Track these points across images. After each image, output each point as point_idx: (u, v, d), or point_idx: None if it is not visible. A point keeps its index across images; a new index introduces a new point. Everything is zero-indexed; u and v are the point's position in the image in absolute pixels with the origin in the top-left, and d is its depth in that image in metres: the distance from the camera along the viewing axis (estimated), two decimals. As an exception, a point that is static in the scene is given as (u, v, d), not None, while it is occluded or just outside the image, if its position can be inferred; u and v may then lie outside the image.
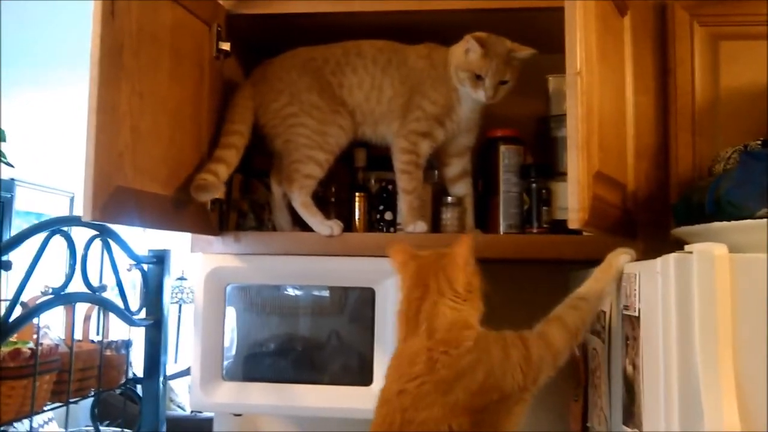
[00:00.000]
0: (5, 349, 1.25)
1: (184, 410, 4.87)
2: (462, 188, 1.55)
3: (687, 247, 0.91)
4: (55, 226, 1.29)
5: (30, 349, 1.28)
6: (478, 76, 1.40)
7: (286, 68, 1.52)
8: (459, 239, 1.12)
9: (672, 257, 0.91)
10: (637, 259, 1.10)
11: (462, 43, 1.42)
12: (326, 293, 1.45)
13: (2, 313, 1.18)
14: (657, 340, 0.93)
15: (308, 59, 1.52)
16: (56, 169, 4.99)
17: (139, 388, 1.65)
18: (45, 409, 1.38)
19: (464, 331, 1.08)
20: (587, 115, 1.07)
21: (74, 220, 1.31)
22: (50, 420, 4.25)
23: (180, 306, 5.58)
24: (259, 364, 1.45)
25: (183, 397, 5.02)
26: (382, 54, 1.50)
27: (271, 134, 1.50)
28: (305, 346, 1.44)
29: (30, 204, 4.82)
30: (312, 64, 1.51)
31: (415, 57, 1.50)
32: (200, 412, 3.72)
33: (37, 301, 1.28)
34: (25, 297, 1.23)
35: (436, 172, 1.60)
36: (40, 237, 1.27)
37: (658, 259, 0.94)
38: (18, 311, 1.21)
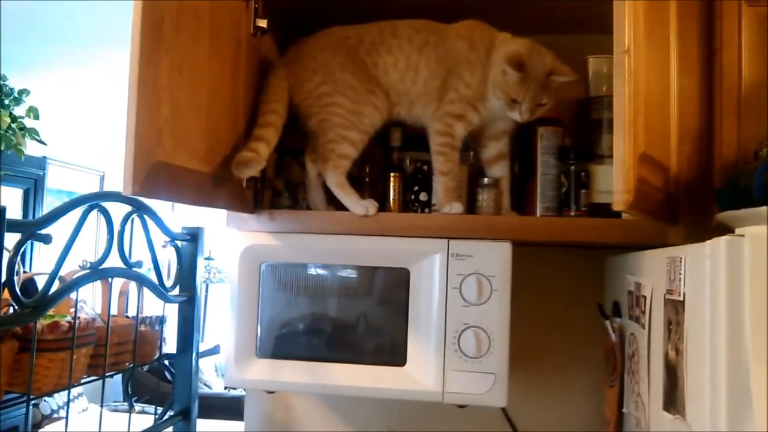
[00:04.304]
0: (44, 322, 1.26)
1: (210, 388, 4.92)
2: (499, 170, 1.53)
3: (738, 230, 0.89)
4: (93, 201, 1.29)
5: (68, 322, 1.30)
6: (514, 100, 1.38)
7: (319, 47, 1.50)
8: None
9: (723, 240, 0.88)
10: (678, 244, 1.07)
11: (502, 55, 1.39)
12: (360, 273, 1.44)
13: (42, 287, 1.19)
14: (704, 326, 0.91)
15: (342, 38, 1.50)
16: (87, 148, 5.05)
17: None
18: (82, 381, 1.39)
19: None
20: (634, 95, 1.04)
21: (113, 195, 1.32)
22: (80, 395, 4.32)
23: (207, 286, 5.63)
24: (292, 342, 1.45)
25: (209, 375, 5.08)
26: (418, 34, 1.47)
27: (306, 114, 1.49)
28: (338, 325, 1.44)
29: (61, 182, 4.88)
30: (346, 43, 1.49)
31: (455, 37, 1.47)
32: (234, 388, 3.76)
33: (75, 276, 1.28)
34: (62, 272, 1.24)
35: (472, 153, 1.58)
36: (77, 212, 1.28)
37: (708, 243, 0.91)
38: (56, 285, 1.22)
